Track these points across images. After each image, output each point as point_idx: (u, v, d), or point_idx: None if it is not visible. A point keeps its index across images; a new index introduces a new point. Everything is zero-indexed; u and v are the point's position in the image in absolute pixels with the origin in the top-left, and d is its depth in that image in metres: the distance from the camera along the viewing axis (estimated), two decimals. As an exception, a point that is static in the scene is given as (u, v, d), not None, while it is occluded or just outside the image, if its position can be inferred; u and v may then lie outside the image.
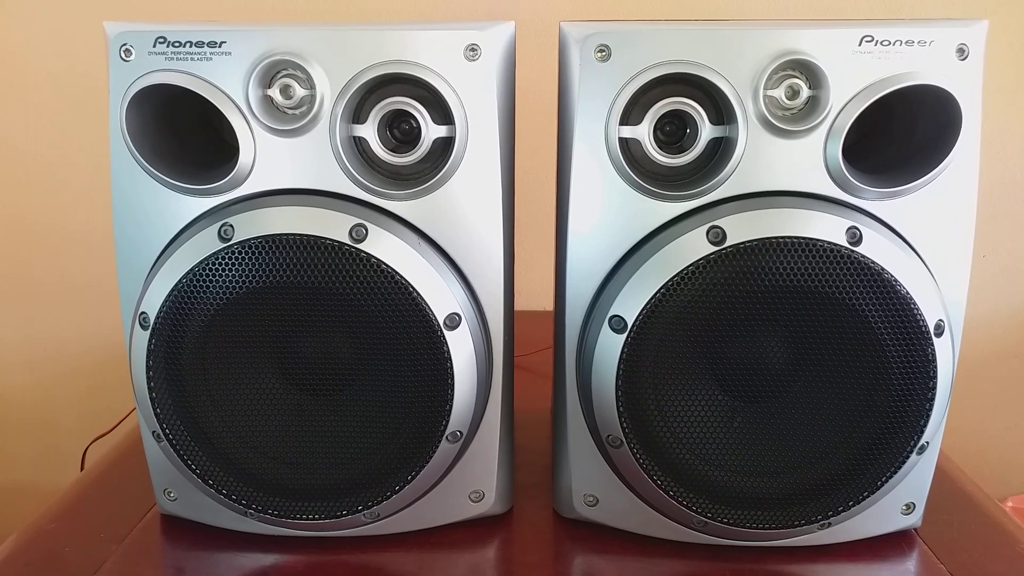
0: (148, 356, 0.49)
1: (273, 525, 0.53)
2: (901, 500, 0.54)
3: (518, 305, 0.87)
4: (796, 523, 0.51)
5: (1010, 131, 1.04)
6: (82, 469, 0.90)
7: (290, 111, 0.48)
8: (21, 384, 1.17)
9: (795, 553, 0.54)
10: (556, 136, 0.52)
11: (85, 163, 1.04)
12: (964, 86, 0.46)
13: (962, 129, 0.46)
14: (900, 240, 0.48)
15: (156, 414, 0.50)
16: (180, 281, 0.47)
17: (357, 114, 0.49)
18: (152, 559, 0.55)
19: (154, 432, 0.51)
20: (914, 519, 0.55)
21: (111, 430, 0.86)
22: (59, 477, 1.16)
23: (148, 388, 0.49)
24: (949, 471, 0.64)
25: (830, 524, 0.51)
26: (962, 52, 0.46)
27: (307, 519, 0.52)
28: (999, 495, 1.13)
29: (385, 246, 0.47)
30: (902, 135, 0.51)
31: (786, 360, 0.50)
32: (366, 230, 0.47)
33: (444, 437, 0.50)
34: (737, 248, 0.46)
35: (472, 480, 0.55)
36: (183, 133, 0.52)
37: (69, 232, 1.10)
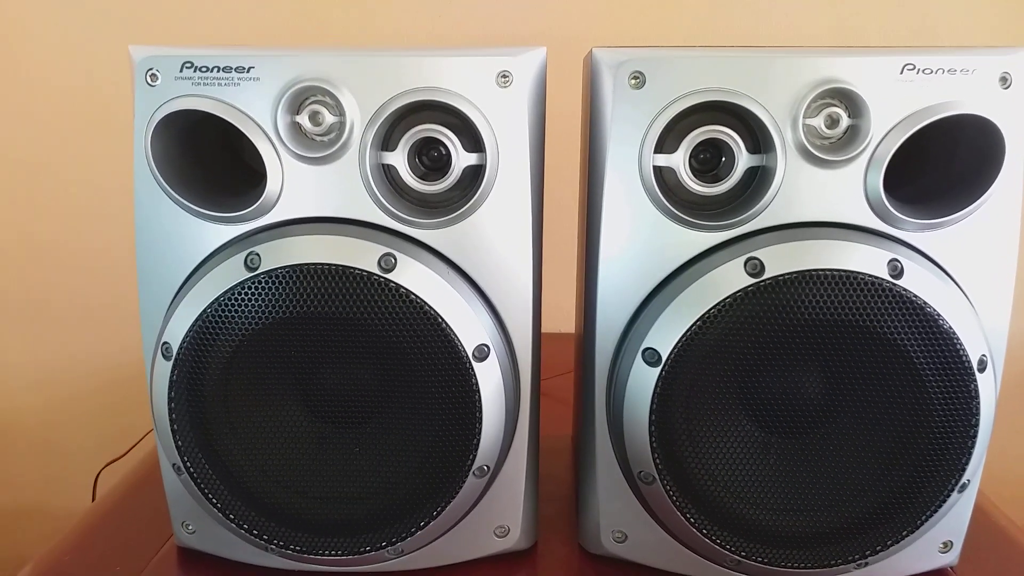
0: (170, 388, 0.47)
1: (295, 560, 0.52)
2: (939, 538, 0.52)
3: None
4: (833, 563, 0.50)
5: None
6: (94, 494, 0.89)
7: (319, 138, 0.47)
8: (30, 406, 1.16)
9: (831, 593, 0.53)
10: (579, 158, 0.51)
11: (98, 182, 1.04)
12: (1007, 115, 0.45)
13: (1005, 159, 0.45)
14: (942, 272, 0.47)
15: (177, 446, 0.48)
16: (205, 311, 0.46)
17: (386, 141, 0.48)
18: (169, 594, 0.54)
19: (174, 465, 0.50)
20: (951, 557, 0.53)
21: (124, 455, 0.84)
22: (69, 501, 1.14)
23: (170, 420, 0.48)
24: (983, 505, 0.63)
25: (868, 563, 0.50)
26: (1005, 80, 0.45)
27: (330, 555, 0.50)
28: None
29: (414, 276, 0.46)
30: (940, 163, 0.50)
31: (824, 395, 0.48)
32: (395, 259, 0.46)
33: (471, 472, 0.49)
34: (776, 280, 0.45)
35: (498, 515, 0.54)
36: (207, 158, 0.51)
37: (80, 253, 1.09)
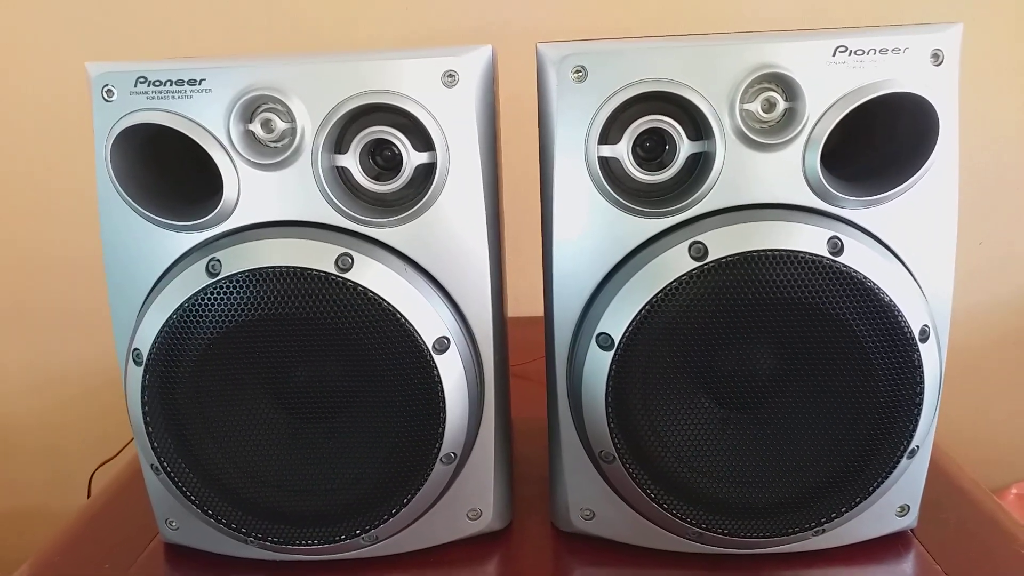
0: (143, 391, 0.49)
1: (274, 551, 0.54)
2: (895, 503, 0.54)
3: (516, 311, 0.87)
4: (790, 531, 0.51)
5: (1004, 120, 1.04)
6: (89, 494, 0.91)
7: (272, 144, 0.49)
8: (26, 409, 1.18)
9: (791, 559, 0.55)
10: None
11: (84, 189, 1.05)
12: (940, 91, 0.46)
13: (939, 134, 0.47)
14: (883, 247, 0.48)
15: (153, 448, 0.50)
16: (171, 317, 0.48)
17: (339, 144, 0.50)
18: (157, 588, 0.56)
19: (152, 465, 0.51)
20: (909, 520, 0.55)
21: (116, 455, 0.86)
22: (67, 502, 1.17)
23: (144, 423, 0.50)
24: (946, 467, 0.64)
25: (824, 530, 0.52)
26: (937, 57, 0.47)
27: (307, 545, 0.52)
28: (1004, 482, 1.13)
29: (371, 274, 0.48)
30: (883, 140, 0.52)
31: (775, 369, 0.50)
32: (352, 259, 0.47)
33: (438, 459, 0.51)
34: (719, 263, 0.46)
35: (469, 499, 0.56)
36: (170, 168, 0.53)
37: (70, 257, 1.11)
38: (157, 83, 0.47)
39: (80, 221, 1.07)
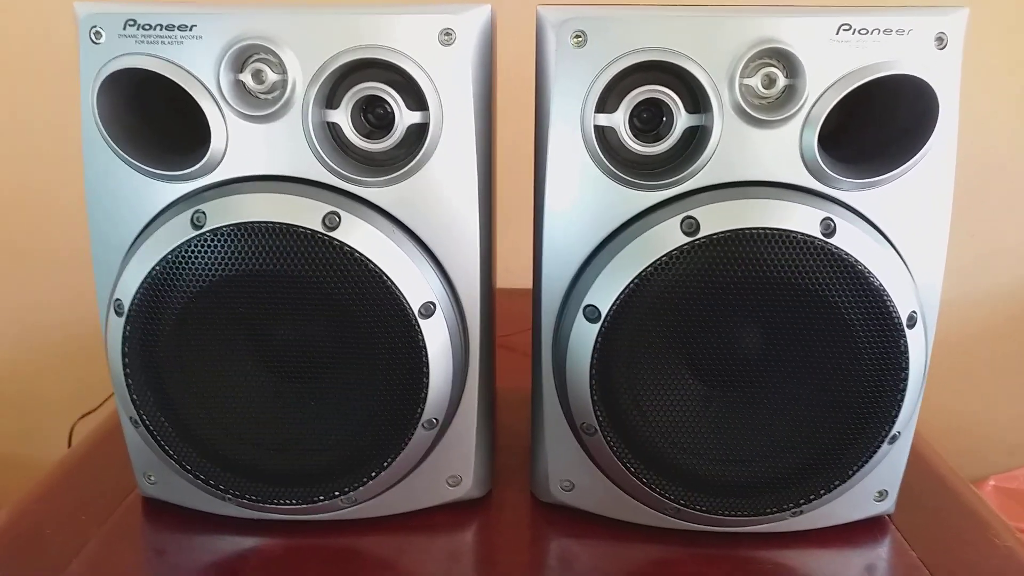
0: (123, 343, 0.49)
1: (251, 509, 0.54)
2: (873, 488, 0.54)
3: (507, 283, 0.87)
4: (768, 511, 0.52)
5: (997, 112, 1.03)
6: (69, 447, 0.91)
7: (262, 96, 0.48)
8: (6, 358, 1.17)
9: (768, 539, 0.55)
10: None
11: (68, 133, 1.03)
12: (942, 76, 0.46)
13: (939, 119, 0.46)
14: (875, 231, 0.48)
15: (133, 400, 0.50)
16: (153, 269, 0.47)
17: (330, 99, 0.49)
18: (133, 542, 0.55)
19: (131, 418, 0.51)
20: (886, 506, 0.56)
21: (97, 408, 0.86)
22: (48, 452, 1.16)
23: (124, 375, 0.49)
24: (926, 455, 0.65)
25: (802, 512, 0.52)
26: (941, 41, 0.46)
27: (284, 504, 0.52)
28: (982, 474, 1.14)
29: (359, 234, 0.47)
30: (882, 122, 0.51)
31: (760, 349, 0.50)
32: (339, 218, 0.47)
33: (420, 424, 0.50)
34: (710, 239, 0.46)
35: (449, 465, 0.56)
36: (158, 117, 0.52)
37: (52, 202, 1.09)
38: (147, 27, 0.46)
39: (63, 164, 1.05)
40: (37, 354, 1.17)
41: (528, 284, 0.54)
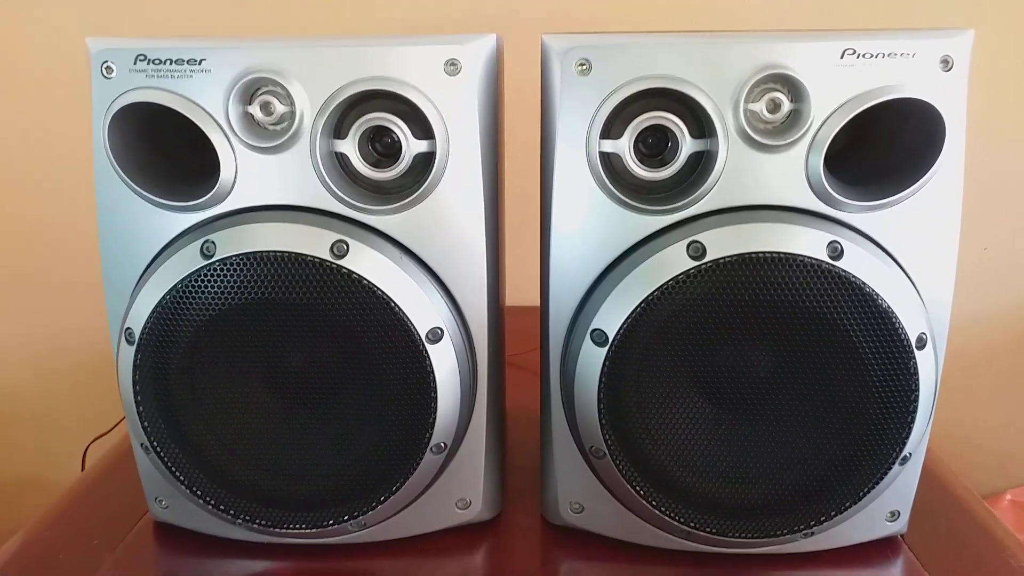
0: (135, 371, 0.49)
1: (261, 534, 0.54)
2: (886, 508, 0.54)
3: (517, 301, 0.87)
4: (779, 532, 0.51)
5: (1011, 125, 1.03)
6: (83, 467, 0.92)
7: (271, 127, 0.48)
8: (22, 380, 1.18)
9: (779, 560, 0.55)
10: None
11: (82, 163, 1.04)
12: (948, 98, 0.46)
13: (946, 141, 0.46)
14: (883, 253, 0.48)
15: (144, 428, 0.50)
16: (164, 297, 0.47)
17: (338, 130, 0.49)
18: (144, 566, 0.56)
19: (142, 444, 0.51)
20: (899, 526, 0.55)
21: (110, 430, 0.87)
22: (62, 473, 1.17)
23: (135, 402, 0.50)
24: (940, 474, 0.64)
25: (813, 533, 0.52)
26: (946, 63, 0.46)
27: (294, 528, 0.52)
28: (998, 488, 1.13)
29: (366, 261, 0.47)
30: (889, 143, 0.51)
31: (769, 371, 0.50)
32: (347, 246, 0.47)
33: (428, 449, 0.51)
34: (717, 263, 0.46)
35: (458, 489, 0.56)
36: (168, 148, 0.52)
37: (70, 228, 1.10)
38: (157, 61, 0.47)
39: (79, 193, 1.07)
40: (52, 377, 1.18)
41: (539, 301, 0.55)
